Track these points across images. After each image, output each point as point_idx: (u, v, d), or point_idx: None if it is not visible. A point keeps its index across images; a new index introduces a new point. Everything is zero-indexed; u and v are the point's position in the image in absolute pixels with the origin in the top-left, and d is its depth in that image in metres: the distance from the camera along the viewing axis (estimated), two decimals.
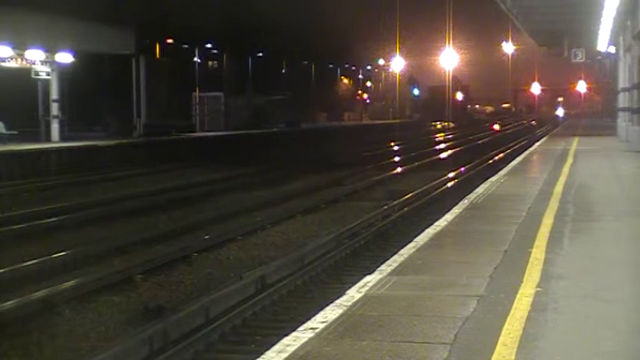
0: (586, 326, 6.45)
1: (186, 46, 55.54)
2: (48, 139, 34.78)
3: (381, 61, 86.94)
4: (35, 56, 33.96)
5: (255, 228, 16.66)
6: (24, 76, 34.72)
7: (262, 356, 5.84)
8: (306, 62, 75.78)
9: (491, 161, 33.66)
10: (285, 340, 6.09)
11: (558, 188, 16.32)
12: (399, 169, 30.59)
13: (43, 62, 34.50)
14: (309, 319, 6.81)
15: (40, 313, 10.36)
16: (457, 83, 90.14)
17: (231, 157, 37.43)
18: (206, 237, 15.47)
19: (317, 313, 6.96)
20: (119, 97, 43.20)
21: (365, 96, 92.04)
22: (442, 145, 48.23)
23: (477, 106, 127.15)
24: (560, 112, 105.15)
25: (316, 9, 55.12)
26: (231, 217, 18.42)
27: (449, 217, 12.59)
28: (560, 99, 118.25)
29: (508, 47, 78.74)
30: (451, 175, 27.62)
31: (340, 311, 6.90)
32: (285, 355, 5.76)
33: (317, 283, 12.11)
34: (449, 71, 73.50)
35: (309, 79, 76.98)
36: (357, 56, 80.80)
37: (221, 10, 46.52)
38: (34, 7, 32.00)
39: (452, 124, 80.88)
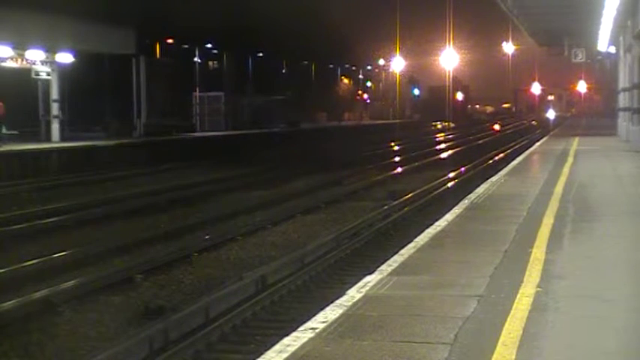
0: (586, 326, 6.45)
1: (186, 46, 55.55)
2: (48, 139, 34.77)
3: (381, 61, 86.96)
4: (35, 56, 33.95)
5: (255, 228, 16.66)
6: (24, 76, 34.72)
7: (262, 356, 5.84)
8: (306, 62, 75.77)
9: (491, 161, 33.66)
10: (286, 340, 6.09)
11: (558, 188, 16.32)
12: (399, 169, 30.59)
13: (43, 62, 34.50)
14: (309, 319, 6.81)
15: (41, 313, 10.36)
16: (457, 83, 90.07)
17: (231, 157, 37.44)
18: (206, 237, 15.48)
19: (317, 313, 6.96)
20: (119, 97, 43.19)
21: (365, 96, 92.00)
22: (442, 145, 48.22)
23: (477, 106, 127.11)
24: (551, 114, 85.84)
25: (316, 9, 55.11)
26: (231, 216, 18.43)
27: (449, 217, 12.59)
28: (551, 97, 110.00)
29: (508, 47, 78.72)
30: (451, 175, 27.62)
31: (340, 311, 6.90)
32: (286, 355, 5.76)
33: (317, 283, 12.12)
34: (449, 71, 73.46)
35: (309, 79, 76.97)
36: (358, 56, 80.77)
37: (221, 10, 46.51)
38: (34, 7, 31.98)
39: (452, 124, 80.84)
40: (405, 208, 19.15)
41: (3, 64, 33.13)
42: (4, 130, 31.89)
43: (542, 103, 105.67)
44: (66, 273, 12.59)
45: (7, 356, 9.08)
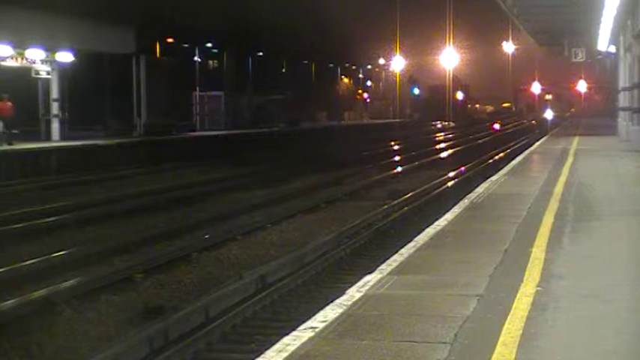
0: (586, 326, 6.45)
1: (186, 45, 55.53)
2: (48, 139, 34.75)
3: (382, 61, 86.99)
4: (35, 55, 33.93)
5: (255, 227, 16.66)
6: (24, 75, 34.69)
7: (262, 355, 5.84)
8: (306, 62, 75.76)
9: (491, 161, 33.66)
10: (286, 340, 6.09)
11: (558, 188, 16.32)
12: (399, 169, 30.59)
13: (43, 61, 34.48)
14: (309, 318, 6.81)
15: (41, 312, 10.36)
16: (457, 82, 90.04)
17: (231, 157, 37.42)
18: (206, 236, 15.48)
19: (317, 312, 6.96)
20: (119, 97, 43.17)
21: (365, 95, 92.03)
22: (442, 145, 48.22)
23: (477, 105, 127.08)
24: (548, 114, 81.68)
25: (316, 9, 55.11)
26: (231, 216, 18.42)
27: (449, 216, 12.59)
28: (549, 96, 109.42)
29: (508, 47, 78.70)
30: (451, 174, 27.61)
31: (340, 310, 6.90)
32: (286, 354, 5.76)
33: (317, 283, 12.11)
34: (449, 70, 73.49)
35: (309, 79, 76.96)
36: (358, 55, 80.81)
37: (221, 10, 46.52)
38: (34, 6, 31.98)
39: (452, 124, 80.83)
40: (405, 208, 19.15)
41: (3, 63, 33.10)
42: (4, 130, 31.82)
43: (541, 102, 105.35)
44: (66, 272, 12.59)
45: (7, 356, 9.08)
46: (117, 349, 8.54)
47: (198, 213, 18.99)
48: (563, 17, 40.94)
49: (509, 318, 6.57)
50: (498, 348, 5.81)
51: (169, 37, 52.12)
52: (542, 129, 59.30)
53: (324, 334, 6.25)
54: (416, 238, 10.50)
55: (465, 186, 21.56)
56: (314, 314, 6.89)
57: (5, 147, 29.38)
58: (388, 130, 65.37)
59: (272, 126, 52.93)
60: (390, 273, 8.37)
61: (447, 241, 10.39)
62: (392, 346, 5.89)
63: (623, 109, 38.04)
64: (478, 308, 6.89)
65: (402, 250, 9.68)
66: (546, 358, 5.66)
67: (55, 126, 35.08)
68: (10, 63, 33.44)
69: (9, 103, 31.76)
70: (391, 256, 9.41)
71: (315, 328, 6.39)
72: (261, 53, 65.56)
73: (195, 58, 56.90)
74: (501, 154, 36.74)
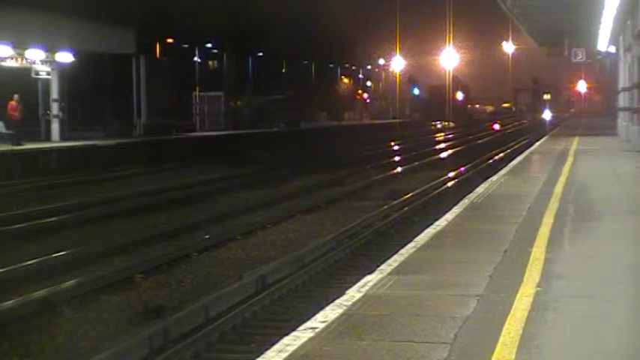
0: (586, 326, 6.45)
1: (186, 45, 55.55)
2: (48, 139, 34.75)
3: (381, 61, 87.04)
4: (35, 56, 33.92)
5: (255, 227, 16.66)
6: (24, 75, 34.68)
7: (262, 356, 5.84)
8: (306, 62, 75.78)
9: (491, 161, 33.66)
10: (286, 340, 6.10)
11: (558, 188, 16.32)
12: (398, 169, 30.58)
13: (43, 62, 34.47)
14: (309, 318, 6.82)
15: (41, 312, 10.36)
16: (457, 83, 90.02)
17: (231, 157, 37.41)
18: (206, 237, 15.48)
19: (317, 312, 6.97)
20: (119, 97, 43.17)
21: (365, 95, 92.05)
22: (442, 145, 48.21)
23: (477, 105, 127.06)
24: (547, 114, 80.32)
25: (316, 9, 55.12)
26: (231, 216, 18.43)
27: (449, 216, 12.59)
28: (547, 96, 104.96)
29: (508, 47, 78.75)
30: (451, 174, 27.61)
31: (340, 311, 6.90)
32: (285, 354, 5.76)
33: (317, 283, 12.11)
34: (449, 71, 73.54)
35: (309, 79, 76.97)
36: (357, 56, 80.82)
37: (221, 10, 46.52)
38: (34, 7, 31.98)
39: (452, 124, 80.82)
40: (405, 208, 19.15)
41: (3, 63, 33.10)
42: (4, 130, 31.80)
43: (541, 102, 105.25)
44: (66, 272, 12.59)
45: (7, 356, 9.08)
46: (117, 349, 8.54)
47: (198, 213, 18.99)
48: (563, 17, 40.96)
49: (509, 318, 6.57)
50: (498, 348, 5.81)
51: (169, 37, 52.13)
52: (538, 131, 58.02)
53: (324, 334, 6.25)
54: (416, 239, 10.50)
55: (465, 186, 21.56)
56: (314, 314, 6.90)
57: (6, 147, 29.35)
58: (388, 130, 65.36)
59: (272, 126, 52.93)
60: (390, 273, 8.37)
61: (447, 241, 10.40)
62: (392, 346, 5.89)
63: (623, 109, 38.03)
64: (478, 308, 6.89)
65: (402, 251, 9.68)
66: (546, 358, 5.66)
67: (55, 126, 35.07)
68: (10, 63, 33.42)
69: (12, 103, 31.63)
70: (391, 256, 9.42)
71: (315, 328, 6.39)
72: (261, 53, 65.57)
73: (195, 59, 56.92)
74: (501, 155, 36.73)
